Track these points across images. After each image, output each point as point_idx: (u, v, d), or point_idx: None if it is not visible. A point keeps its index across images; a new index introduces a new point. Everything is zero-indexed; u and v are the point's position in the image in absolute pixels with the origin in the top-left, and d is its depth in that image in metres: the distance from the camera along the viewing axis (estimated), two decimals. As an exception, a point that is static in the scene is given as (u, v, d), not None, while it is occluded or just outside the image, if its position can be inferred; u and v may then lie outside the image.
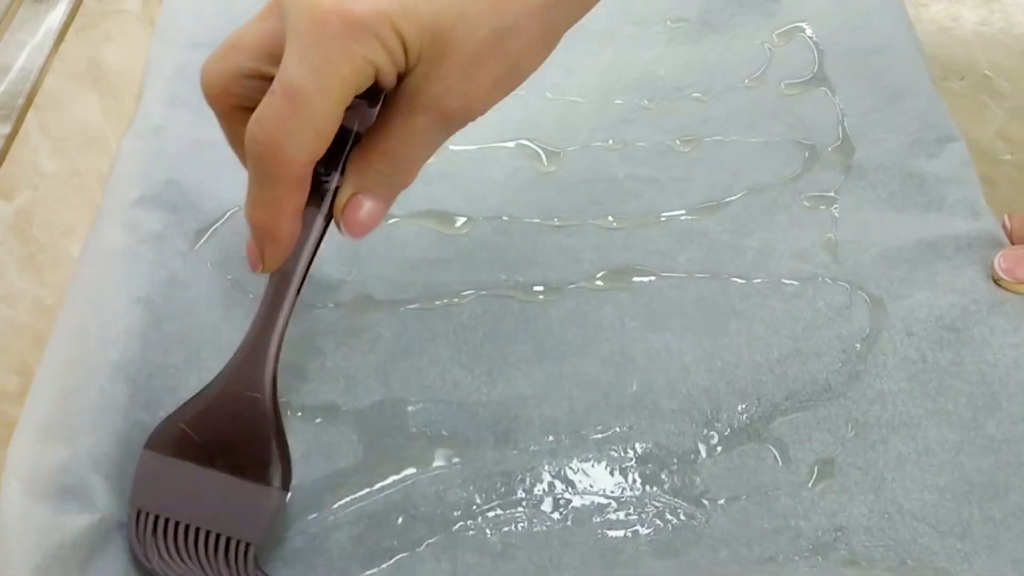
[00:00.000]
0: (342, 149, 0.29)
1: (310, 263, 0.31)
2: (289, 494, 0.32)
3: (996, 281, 0.38)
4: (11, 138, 0.44)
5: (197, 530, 0.31)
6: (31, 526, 0.30)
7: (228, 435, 0.31)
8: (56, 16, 0.48)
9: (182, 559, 0.30)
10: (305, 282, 0.31)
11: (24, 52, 0.47)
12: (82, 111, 0.45)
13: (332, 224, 0.31)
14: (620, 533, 0.34)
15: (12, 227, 0.41)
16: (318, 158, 0.27)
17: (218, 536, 0.31)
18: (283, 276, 0.31)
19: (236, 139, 0.29)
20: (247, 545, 0.31)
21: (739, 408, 0.37)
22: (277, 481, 0.31)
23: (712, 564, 0.33)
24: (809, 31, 0.49)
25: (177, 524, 0.31)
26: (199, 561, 0.30)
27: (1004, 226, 0.39)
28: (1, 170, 0.43)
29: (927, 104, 0.43)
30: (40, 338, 0.38)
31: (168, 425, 0.32)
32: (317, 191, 0.30)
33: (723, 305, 0.39)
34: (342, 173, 0.30)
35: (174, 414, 0.32)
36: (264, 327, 0.31)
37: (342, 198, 0.30)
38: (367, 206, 0.30)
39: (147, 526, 0.31)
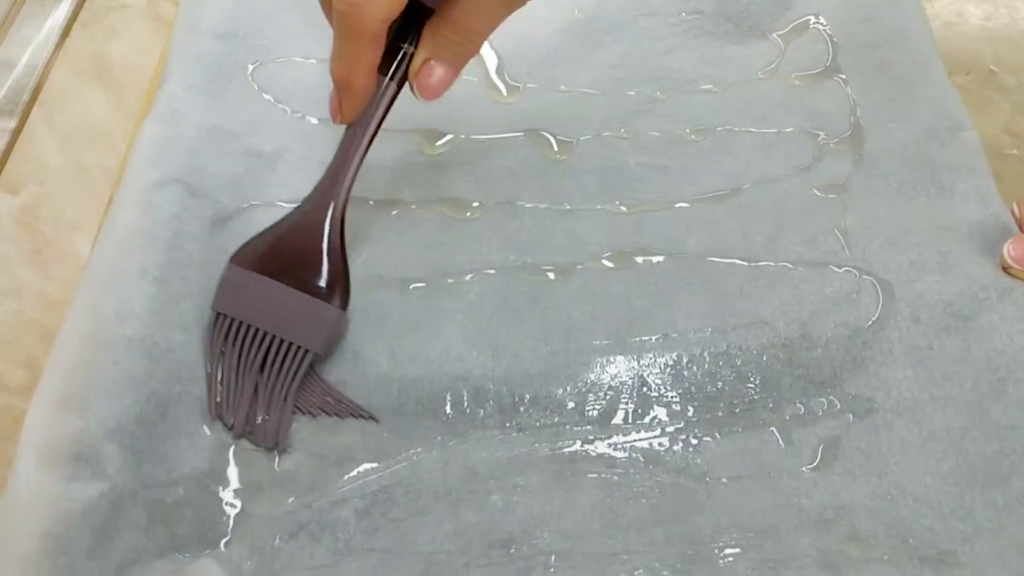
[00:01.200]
0: (418, 22, 0.34)
1: (382, 120, 0.36)
2: (347, 314, 0.37)
3: (1005, 269, 0.38)
4: (17, 133, 0.44)
5: (265, 334, 0.36)
6: (42, 494, 0.31)
7: (300, 257, 0.37)
8: (61, 11, 0.49)
9: (245, 369, 0.36)
10: (376, 137, 0.36)
11: (29, 47, 0.47)
12: (87, 106, 0.45)
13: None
14: (621, 497, 0.35)
15: (18, 221, 0.41)
16: (393, 17, 0.31)
17: (282, 341, 0.36)
18: (358, 128, 0.36)
19: (325, 2, 0.34)
20: (306, 352, 0.36)
21: (743, 390, 0.38)
22: (337, 301, 0.37)
23: (714, 531, 0.34)
24: (824, 22, 0.49)
25: (248, 327, 0.36)
26: (261, 367, 0.36)
27: (1013, 213, 0.40)
28: (7, 165, 0.43)
29: (939, 93, 0.44)
30: (47, 332, 0.38)
31: (250, 245, 0.37)
32: (393, 57, 0.34)
33: (731, 287, 0.40)
34: (416, 45, 0.34)
35: (255, 237, 0.37)
36: (338, 170, 0.37)
37: (416, 63, 0.34)
38: (438, 72, 0.34)
39: (222, 330, 0.36)
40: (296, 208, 0.37)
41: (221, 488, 0.35)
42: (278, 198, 0.42)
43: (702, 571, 0.33)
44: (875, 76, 0.46)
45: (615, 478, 0.36)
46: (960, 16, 0.51)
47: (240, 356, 0.36)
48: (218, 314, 0.37)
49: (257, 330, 0.36)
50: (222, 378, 0.36)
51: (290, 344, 0.36)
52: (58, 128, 0.45)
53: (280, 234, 0.37)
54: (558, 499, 0.35)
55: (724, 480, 0.36)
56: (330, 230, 0.37)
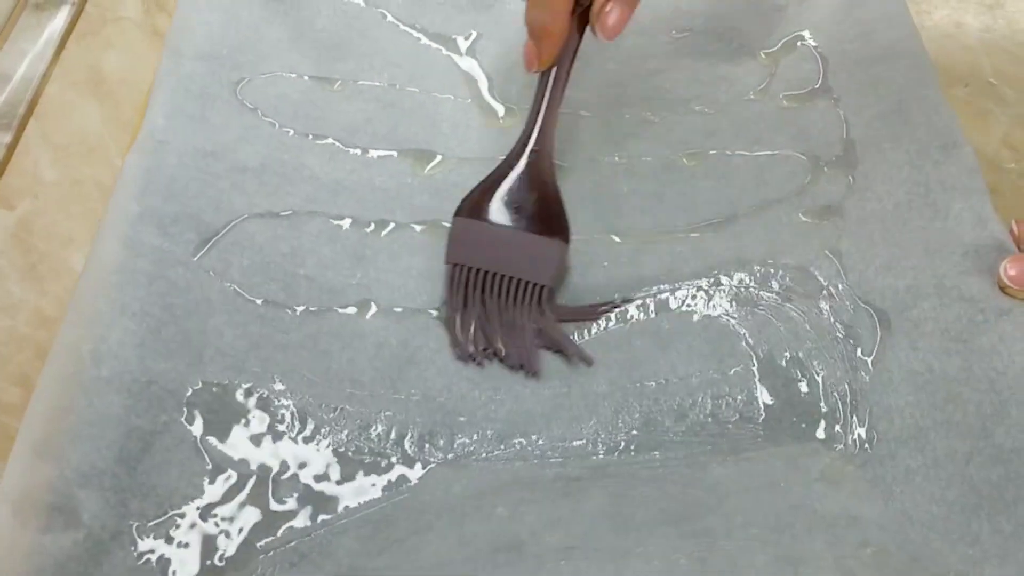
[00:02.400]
0: None
1: (572, 64, 0.40)
2: (569, 246, 0.40)
3: (1002, 289, 0.37)
4: (12, 147, 0.44)
5: (498, 275, 0.39)
6: (15, 548, 0.31)
7: (518, 200, 0.40)
8: (57, 24, 0.48)
9: (483, 310, 0.39)
10: (568, 83, 0.40)
11: (25, 60, 0.47)
12: (83, 119, 0.45)
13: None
14: (630, 503, 0.35)
15: (13, 237, 0.41)
16: None
17: (515, 279, 0.39)
18: (554, 72, 0.40)
19: None
20: (538, 286, 0.39)
21: (747, 430, 0.38)
22: (560, 235, 0.40)
23: (728, 529, 0.34)
24: (812, 40, 0.49)
25: (481, 272, 0.39)
26: (498, 310, 0.39)
27: (1012, 232, 0.39)
28: (2, 179, 0.43)
29: (933, 111, 0.44)
30: (41, 349, 0.38)
31: (469, 197, 0.41)
32: (578, 4, 0.38)
33: (727, 326, 0.40)
34: None
35: (473, 189, 0.41)
36: (540, 116, 0.40)
37: (596, 6, 0.38)
38: (615, 12, 0.38)
39: (459, 280, 0.39)
40: (505, 159, 0.41)
41: (216, 516, 0.34)
42: (268, 209, 0.42)
43: (720, 561, 0.33)
44: (868, 94, 0.45)
45: (621, 490, 0.35)
46: (958, 27, 0.51)
47: (476, 299, 0.39)
48: (454, 265, 0.40)
49: (490, 273, 0.39)
50: (461, 322, 0.39)
51: (522, 281, 0.39)
52: (53, 142, 0.45)
53: (495, 182, 0.40)
54: (566, 507, 0.35)
55: (735, 491, 0.35)
56: (543, 171, 0.40)
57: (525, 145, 0.41)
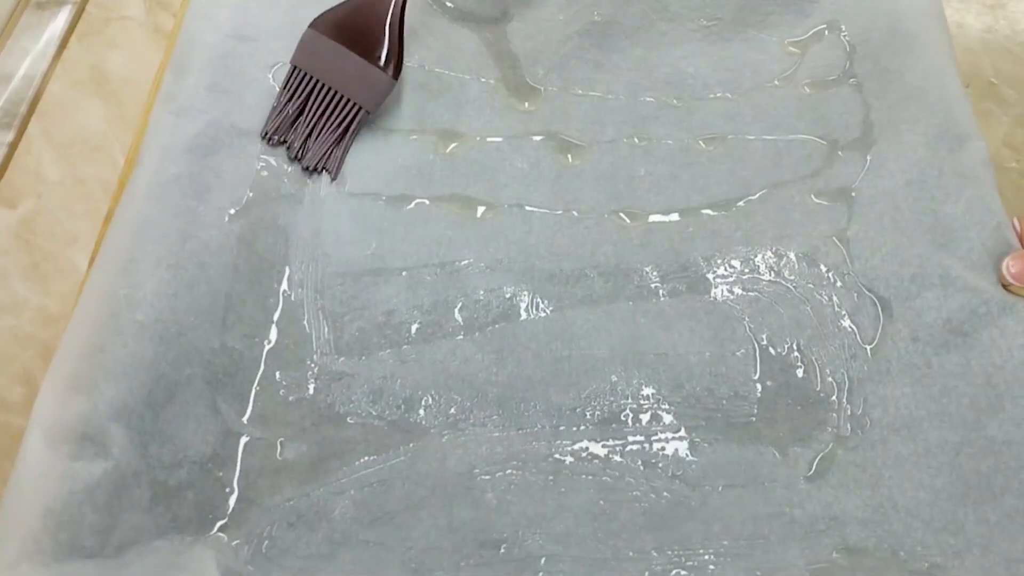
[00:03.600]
0: None
1: None
2: (396, 83, 0.46)
3: (1004, 286, 0.38)
4: (14, 146, 0.45)
5: (329, 89, 0.46)
6: (46, 472, 0.33)
7: (366, 30, 0.46)
8: (59, 23, 0.49)
9: (308, 111, 0.45)
10: None
11: (27, 59, 0.47)
12: (85, 118, 0.46)
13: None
14: (615, 501, 0.37)
15: (16, 236, 0.41)
16: None
17: (342, 96, 0.45)
18: None
19: None
20: (359, 107, 0.46)
21: (741, 409, 0.40)
22: (391, 71, 0.46)
23: (704, 538, 0.36)
24: (844, 29, 0.51)
25: (317, 82, 0.45)
26: (318, 118, 0.45)
27: (1014, 228, 0.40)
28: (4, 178, 0.43)
29: (953, 100, 0.45)
30: (45, 348, 0.39)
31: (327, 14, 0.46)
32: None
33: (731, 310, 0.42)
34: None
35: (332, 8, 0.46)
36: None
37: None
38: None
39: (294, 82, 0.46)
40: None
41: (223, 473, 0.37)
42: (292, 192, 0.44)
43: None
44: (891, 80, 0.47)
45: (609, 480, 0.38)
46: (960, 28, 0.52)
47: (306, 101, 0.46)
48: (294, 67, 0.46)
49: (323, 84, 0.46)
50: (285, 113, 0.45)
51: (348, 99, 0.46)
52: (56, 141, 0.45)
53: (353, 9, 0.46)
54: (552, 500, 0.37)
55: (719, 488, 0.38)
56: (393, 11, 0.46)
57: None
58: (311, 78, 0.46)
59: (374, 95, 0.46)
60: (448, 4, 0.51)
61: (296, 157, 0.45)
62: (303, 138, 0.45)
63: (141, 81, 0.48)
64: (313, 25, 0.46)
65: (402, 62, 0.46)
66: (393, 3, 0.46)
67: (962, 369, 0.38)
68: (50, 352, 0.39)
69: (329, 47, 0.46)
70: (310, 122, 0.45)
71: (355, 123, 0.46)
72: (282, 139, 0.45)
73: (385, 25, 0.46)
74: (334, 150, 0.45)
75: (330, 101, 0.46)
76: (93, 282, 0.38)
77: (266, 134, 0.44)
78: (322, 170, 0.45)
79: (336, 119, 0.45)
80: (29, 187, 0.44)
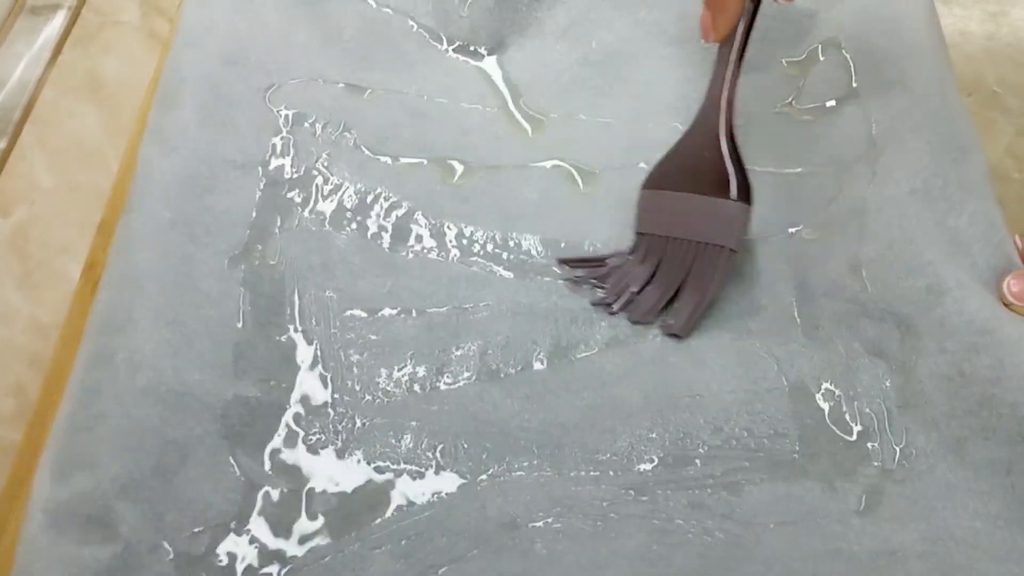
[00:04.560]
0: None
1: (749, 34, 0.42)
2: (752, 208, 0.42)
3: (1006, 304, 0.37)
4: (8, 152, 0.44)
5: (687, 242, 0.42)
6: (54, 560, 0.31)
7: (702, 167, 0.42)
8: (53, 28, 0.49)
9: (665, 273, 0.42)
10: (746, 52, 0.42)
11: (21, 64, 0.47)
12: (80, 124, 0.45)
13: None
14: (669, 544, 0.36)
15: (9, 244, 0.41)
16: None
17: (702, 244, 0.42)
18: (730, 43, 0.41)
19: None
20: (725, 249, 0.41)
21: (783, 446, 0.39)
22: (743, 197, 0.42)
23: None
24: (843, 45, 0.50)
25: (668, 240, 0.42)
26: (684, 268, 0.42)
27: (1016, 245, 0.39)
28: (-2, 185, 0.42)
29: (954, 110, 0.45)
30: (36, 359, 0.38)
31: (656, 170, 0.44)
32: None
33: (760, 350, 0.41)
34: None
35: (659, 162, 0.44)
36: (720, 84, 0.42)
37: None
38: None
39: (645, 249, 0.43)
40: (688, 130, 0.43)
41: (250, 531, 0.35)
42: (298, 223, 0.43)
43: None
44: (893, 90, 0.46)
45: (659, 523, 0.36)
46: (963, 36, 0.51)
47: (660, 263, 0.42)
48: (639, 234, 0.43)
49: (676, 239, 0.42)
50: (636, 286, 0.42)
51: (707, 244, 0.42)
52: (50, 147, 0.45)
53: (681, 152, 0.43)
54: (604, 547, 0.36)
55: (771, 526, 0.36)
56: (725, 138, 0.42)
57: (709, 115, 0.43)
58: (662, 238, 0.42)
59: (734, 230, 0.41)
60: (443, 35, 0.50)
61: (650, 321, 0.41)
62: (661, 300, 0.41)
63: (136, 86, 0.47)
64: (646, 185, 0.44)
65: (750, 185, 0.42)
66: (723, 128, 0.42)
67: (996, 373, 0.36)
68: (42, 363, 0.38)
69: (670, 199, 0.43)
70: (670, 282, 0.42)
71: (723, 266, 0.41)
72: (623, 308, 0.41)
73: (722, 153, 0.42)
74: (696, 305, 0.41)
75: (687, 254, 0.42)
76: (88, 344, 0.36)
77: (606, 302, 0.41)
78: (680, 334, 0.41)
79: (705, 269, 0.41)
80: (22, 194, 0.43)
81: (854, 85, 0.48)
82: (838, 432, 0.38)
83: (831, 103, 0.48)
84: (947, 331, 0.38)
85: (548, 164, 0.46)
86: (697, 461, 0.38)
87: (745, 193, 0.42)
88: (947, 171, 0.42)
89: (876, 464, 0.37)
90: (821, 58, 0.50)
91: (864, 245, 0.42)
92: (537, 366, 0.40)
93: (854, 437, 0.38)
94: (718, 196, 0.41)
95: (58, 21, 0.50)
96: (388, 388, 0.39)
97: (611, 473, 0.37)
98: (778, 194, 0.46)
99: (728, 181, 0.41)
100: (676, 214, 0.42)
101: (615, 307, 0.41)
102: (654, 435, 0.38)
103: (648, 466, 0.37)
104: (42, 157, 0.45)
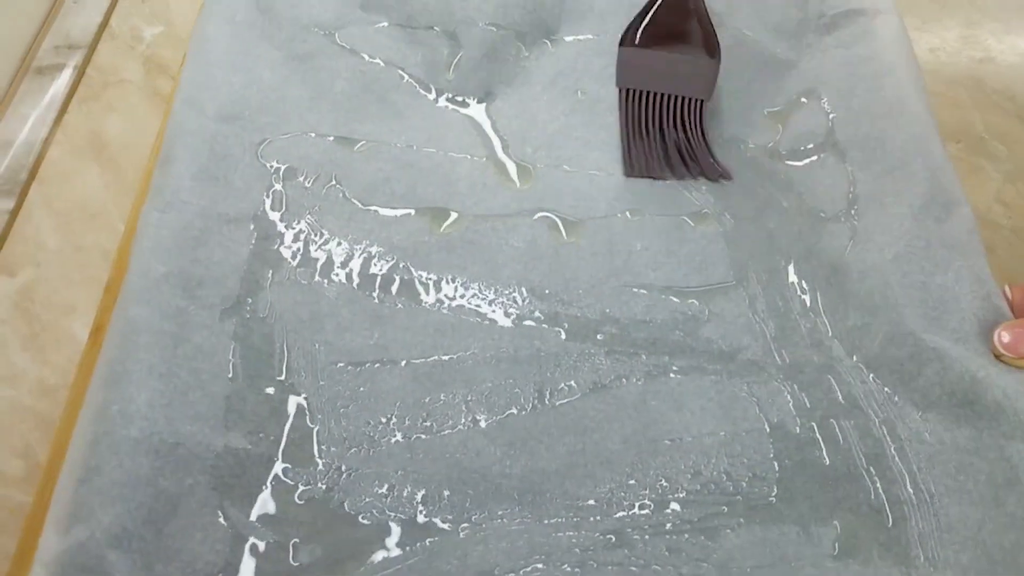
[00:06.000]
0: None
1: None
2: (720, 63, 0.48)
3: (997, 357, 0.38)
4: (15, 213, 0.45)
5: (663, 96, 0.48)
6: None
7: (673, 27, 0.48)
8: (59, 87, 0.50)
9: (648, 133, 0.48)
10: None
11: (27, 125, 0.48)
12: (84, 185, 0.46)
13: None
14: None
15: (15, 305, 0.42)
16: None
17: (678, 97, 0.48)
18: None
19: None
20: (699, 100, 0.48)
21: (760, 489, 0.39)
22: (714, 53, 0.48)
23: None
24: (823, 96, 0.51)
25: (648, 94, 0.48)
26: (661, 126, 0.48)
27: (1005, 296, 0.39)
28: (4, 247, 0.43)
29: (937, 167, 0.45)
30: (43, 420, 0.39)
31: (630, 28, 0.48)
32: None
33: (740, 391, 0.42)
34: None
35: (633, 20, 0.48)
36: None
37: None
38: None
39: (629, 102, 0.48)
40: None
41: None
42: (288, 276, 0.43)
43: None
44: (874, 148, 0.47)
45: (636, 570, 0.37)
46: (949, 84, 0.52)
47: (645, 116, 0.48)
48: (621, 89, 0.49)
49: (654, 94, 0.48)
50: (634, 143, 0.48)
51: (683, 98, 0.48)
52: (55, 208, 0.46)
53: (657, 14, 0.48)
54: None
55: (748, 570, 0.37)
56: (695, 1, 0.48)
57: None
58: (641, 93, 0.48)
59: (706, 83, 0.47)
60: (432, 85, 0.51)
61: (690, 176, 0.47)
62: (678, 160, 0.47)
63: (140, 146, 0.48)
64: (623, 43, 0.49)
65: (718, 41, 0.47)
66: None
67: (975, 444, 0.38)
68: (49, 424, 0.39)
69: (648, 56, 0.48)
70: (659, 136, 0.47)
71: (700, 116, 0.47)
72: (653, 175, 0.47)
73: (690, 14, 0.47)
74: (701, 154, 0.47)
75: (667, 107, 0.48)
76: (88, 399, 0.37)
77: (631, 172, 0.47)
78: (718, 178, 0.47)
79: (682, 121, 0.47)
80: (28, 255, 0.44)
81: (834, 136, 0.49)
82: (815, 475, 0.39)
83: (810, 147, 0.49)
84: (928, 401, 0.39)
85: (534, 214, 0.47)
86: (676, 506, 0.38)
87: (713, 50, 0.47)
88: (930, 232, 0.42)
89: (852, 510, 0.38)
90: (800, 109, 0.50)
91: (849, 313, 0.43)
92: (520, 413, 0.40)
93: (831, 480, 0.39)
94: (690, 54, 0.47)
95: (63, 81, 0.51)
96: (374, 438, 0.39)
97: (591, 519, 0.38)
98: (756, 241, 0.46)
99: (699, 40, 0.47)
100: (654, 71, 0.47)
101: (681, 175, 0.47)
102: (633, 481, 0.39)
103: (627, 512, 0.38)
104: (48, 218, 0.45)
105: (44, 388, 0.40)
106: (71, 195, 0.46)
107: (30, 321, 0.42)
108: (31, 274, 0.43)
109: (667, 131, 0.48)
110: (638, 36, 0.48)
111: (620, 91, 0.49)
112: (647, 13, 0.48)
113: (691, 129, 0.48)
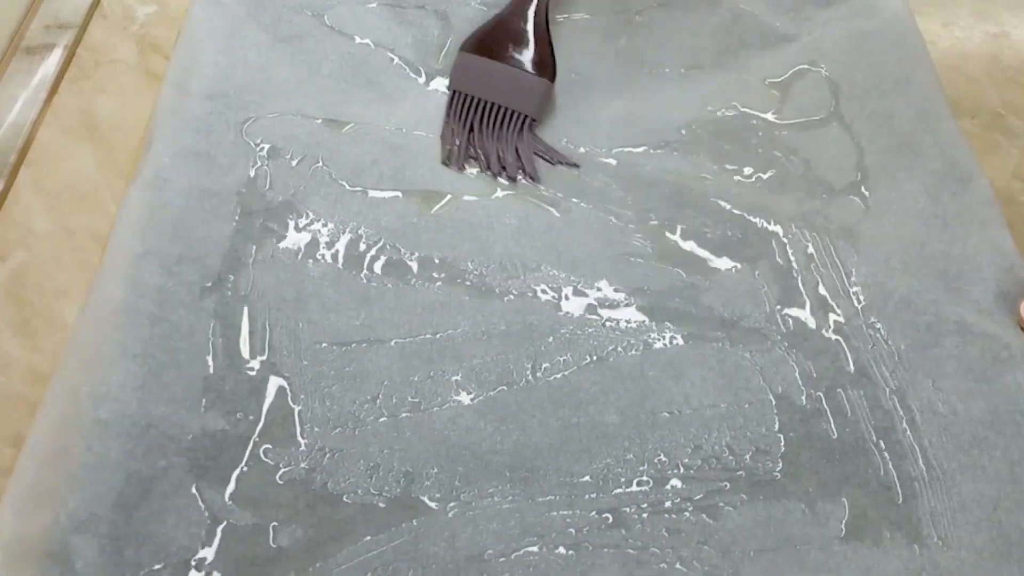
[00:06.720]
0: None
1: None
2: (554, 85, 0.49)
3: (1023, 328, 0.37)
4: (3, 196, 0.44)
5: (491, 104, 0.48)
6: None
7: (513, 41, 0.49)
8: (49, 67, 0.48)
9: (472, 132, 0.48)
10: None
11: (16, 106, 0.46)
12: (75, 166, 0.45)
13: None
14: (647, 572, 0.35)
15: (6, 290, 0.41)
16: None
17: (505, 109, 0.48)
18: None
19: None
20: (524, 115, 0.48)
21: (764, 464, 0.38)
22: (546, 75, 0.48)
23: None
24: (825, 69, 0.50)
25: (477, 100, 0.48)
26: (484, 131, 0.48)
27: None
28: (-6, 231, 0.42)
29: (949, 142, 0.44)
30: (35, 407, 0.38)
31: (474, 35, 0.50)
32: None
33: (743, 360, 0.40)
34: None
35: (478, 29, 0.50)
36: None
37: None
38: None
39: (458, 105, 0.48)
40: (508, 7, 0.49)
41: (213, 567, 0.34)
42: (272, 254, 0.42)
43: None
44: (881, 124, 0.46)
45: (634, 552, 0.35)
46: (963, 59, 0.51)
47: (473, 120, 0.48)
48: (453, 91, 0.49)
49: (484, 101, 0.48)
50: (456, 136, 0.47)
51: (510, 110, 0.48)
52: (45, 190, 0.44)
53: (496, 24, 0.49)
54: None
55: (751, 554, 0.35)
56: (535, 18, 0.49)
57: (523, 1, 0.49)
58: (472, 98, 0.48)
59: (533, 100, 0.48)
60: (422, 68, 0.51)
61: (494, 173, 0.46)
62: (495, 154, 0.46)
63: (132, 126, 0.47)
64: (463, 47, 0.49)
65: (555, 64, 0.48)
66: (533, 11, 0.49)
67: (990, 417, 0.37)
68: (40, 411, 0.38)
69: (482, 65, 0.48)
70: (485, 138, 0.47)
71: (524, 131, 0.47)
72: (461, 164, 0.46)
73: (529, 34, 0.48)
74: (521, 157, 0.47)
75: (496, 115, 0.48)
76: (57, 378, 0.36)
77: (447, 161, 0.46)
78: (530, 178, 0.46)
79: (507, 131, 0.47)
80: (18, 239, 0.42)
81: (838, 109, 0.47)
82: (822, 449, 0.37)
83: (815, 117, 0.48)
84: (943, 372, 0.38)
85: (526, 192, 0.46)
86: (676, 482, 0.37)
87: (548, 71, 0.48)
88: (946, 208, 0.41)
89: (861, 485, 0.36)
90: (802, 79, 0.49)
91: (860, 268, 0.42)
92: (512, 387, 0.39)
93: (839, 454, 0.37)
94: (524, 70, 0.48)
95: (54, 60, 0.49)
96: (359, 417, 0.38)
97: (586, 497, 0.36)
98: (756, 197, 0.45)
99: (534, 60, 0.48)
100: (486, 79, 0.48)
101: (485, 170, 0.46)
102: (631, 456, 0.37)
103: (624, 489, 0.36)
104: (38, 200, 0.44)
105: (36, 375, 0.39)
106: (62, 177, 0.45)
107: (21, 307, 0.41)
108: (21, 258, 0.42)
109: (485, 134, 0.47)
110: (474, 44, 0.49)
111: (451, 92, 0.49)
112: (488, 25, 0.50)
113: (508, 140, 0.47)
